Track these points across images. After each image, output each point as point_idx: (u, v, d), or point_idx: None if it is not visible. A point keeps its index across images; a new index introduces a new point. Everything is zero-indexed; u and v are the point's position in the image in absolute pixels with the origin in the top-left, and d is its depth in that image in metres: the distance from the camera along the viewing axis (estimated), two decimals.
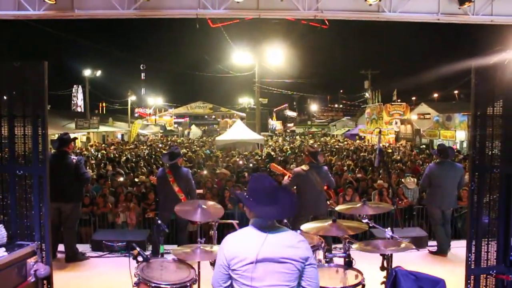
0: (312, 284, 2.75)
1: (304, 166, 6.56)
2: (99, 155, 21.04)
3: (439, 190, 6.81)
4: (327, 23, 9.83)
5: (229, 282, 2.72)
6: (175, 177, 6.67)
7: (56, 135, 6.88)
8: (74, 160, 6.43)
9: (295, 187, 6.54)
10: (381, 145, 5.51)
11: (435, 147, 29.09)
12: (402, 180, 10.25)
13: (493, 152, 4.03)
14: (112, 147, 27.72)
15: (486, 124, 4.01)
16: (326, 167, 7.01)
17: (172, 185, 6.62)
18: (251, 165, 14.90)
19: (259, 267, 2.60)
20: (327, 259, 3.99)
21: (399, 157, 18.82)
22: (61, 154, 6.43)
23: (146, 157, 19.17)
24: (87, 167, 14.02)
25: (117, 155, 20.53)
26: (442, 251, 6.81)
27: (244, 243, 2.66)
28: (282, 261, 2.63)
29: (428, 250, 6.97)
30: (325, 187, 6.82)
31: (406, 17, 9.10)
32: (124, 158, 18.45)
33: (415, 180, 10.13)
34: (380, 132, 6.21)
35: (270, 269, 2.62)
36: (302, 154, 17.61)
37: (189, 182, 6.81)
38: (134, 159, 17.66)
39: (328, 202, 7.54)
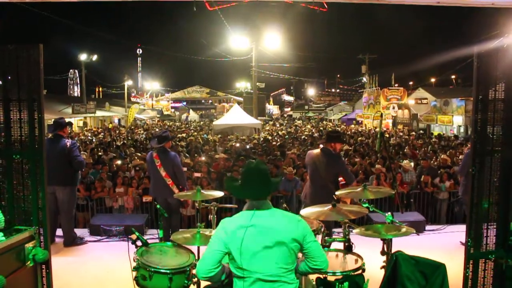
0: (319, 263, 2.74)
1: (317, 150, 5.81)
2: (94, 140, 20.93)
3: None
4: (326, 6, 9.70)
5: (220, 267, 2.72)
6: (162, 162, 6.47)
7: (53, 120, 6.84)
8: (68, 144, 6.38)
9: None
10: (383, 128, 5.43)
11: (432, 132, 29.17)
12: (400, 163, 10.27)
13: (494, 136, 4.00)
14: (114, 133, 27.46)
15: (488, 108, 3.97)
16: (342, 158, 6.33)
17: (159, 170, 6.46)
18: (247, 146, 14.91)
19: (249, 248, 2.61)
20: (327, 244, 3.98)
21: (395, 142, 18.78)
22: (56, 138, 6.39)
23: (143, 141, 19.08)
24: (86, 152, 13.98)
25: (114, 139, 20.44)
26: None
27: (238, 222, 2.70)
28: (274, 242, 2.62)
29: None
30: (342, 180, 5.78)
31: (406, 0, 8.98)
32: (121, 142, 18.37)
33: (412, 164, 10.18)
34: (381, 116, 6.12)
35: (262, 252, 2.61)
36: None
37: (177, 167, 6.56)
38: (130, 143, 17.59)
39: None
